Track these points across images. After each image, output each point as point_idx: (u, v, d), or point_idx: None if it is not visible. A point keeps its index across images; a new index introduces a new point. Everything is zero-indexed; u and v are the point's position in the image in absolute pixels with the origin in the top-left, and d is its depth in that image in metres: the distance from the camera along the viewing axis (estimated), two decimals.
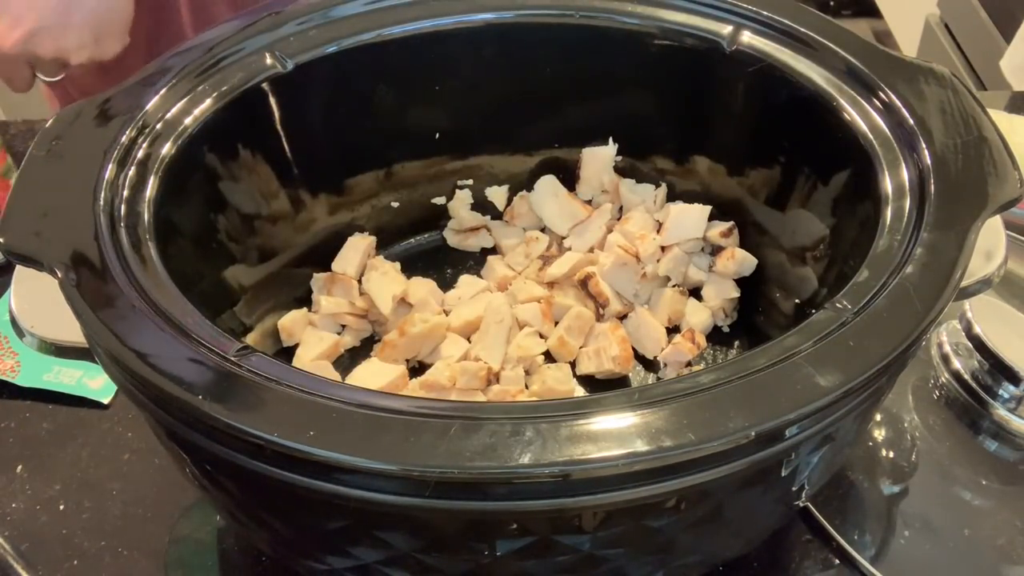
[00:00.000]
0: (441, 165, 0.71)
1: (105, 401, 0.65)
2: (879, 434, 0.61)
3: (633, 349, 0.65)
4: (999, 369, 0.61)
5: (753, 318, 0.67)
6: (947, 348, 0.64)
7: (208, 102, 0.57)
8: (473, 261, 0.73)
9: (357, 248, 0.69)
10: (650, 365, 0.66)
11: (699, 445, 0.38)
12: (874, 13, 2.01)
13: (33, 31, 0.77)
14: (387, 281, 0.67)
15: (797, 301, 0.62)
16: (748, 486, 0.43)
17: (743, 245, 0.67)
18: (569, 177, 0.72)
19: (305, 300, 0.68)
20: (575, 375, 0.65)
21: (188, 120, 0.56)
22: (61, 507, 0.59)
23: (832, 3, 2.15)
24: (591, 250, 0.70)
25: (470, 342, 0.65)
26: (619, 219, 0.71)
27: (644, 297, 0.68)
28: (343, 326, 0.67)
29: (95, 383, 0.65)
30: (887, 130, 0.53)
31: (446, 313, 0.67)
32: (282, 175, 0.64)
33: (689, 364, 0.64)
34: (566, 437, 0.38)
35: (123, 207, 0.50)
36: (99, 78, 0.88)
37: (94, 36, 0.78)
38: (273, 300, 0.65)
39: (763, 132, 0.64)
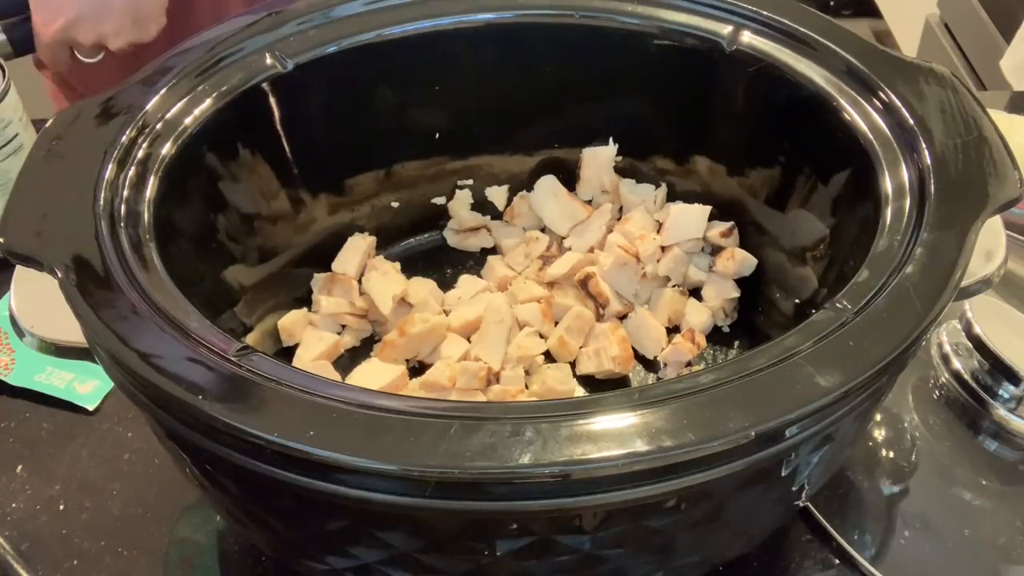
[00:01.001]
0: (441, 165, 0.71)
1: (91, 407, 0.64)
2: (879, 434, 0.61)
3: (633, 349, 0.65)
4: (999, 369, 0.61)
5: (753, 318, 0.67)
6: (947, 348, 0.64)
7: (208, 102, 0.57)
8: (473, 261, 0.73)
9: (357, 248, 0.69)
10: (650, 365, 0.66)
11: (699, 445, 0.38)
12: (874, 13, 2.01)
13: (72, 21, 0.79)
14: (387, 281, 0.67)
15: (797, 301, 0.62)
16: (748, 486, 0.43)
17: (743, 245, 0.67)
18: (569, 177, 0.72)
19: (305, 300, 0.68)
20: (575, 375, 0.65)
21: (188, 120, 0.56)
22: (61, 507, 0.59)
23: (832, 3, 2.15)
24: (591, 250, 0.70)
25: (470, 342, 0.65)
26: (619, 219, 0.71)
27: (644, 297, 0.68)
28: (343, 326, 0.67)
29: (85, 388, 0.65)
30: (887, 130, 0.53)
31: (446, 313, 0.67)
32: (282, 175, 0.64)
33: (689, 364, 0.64)
34: (566, 437, 0.38)
35: (123, 207, 0.50)
36: (111, 71, 0.89)
37: (132, 20, 0.80)
38: (273, 300, 0.65)
39: (763, 132, 0.64)
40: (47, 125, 0.53)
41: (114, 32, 0.80)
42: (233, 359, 0.42)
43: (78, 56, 0.83)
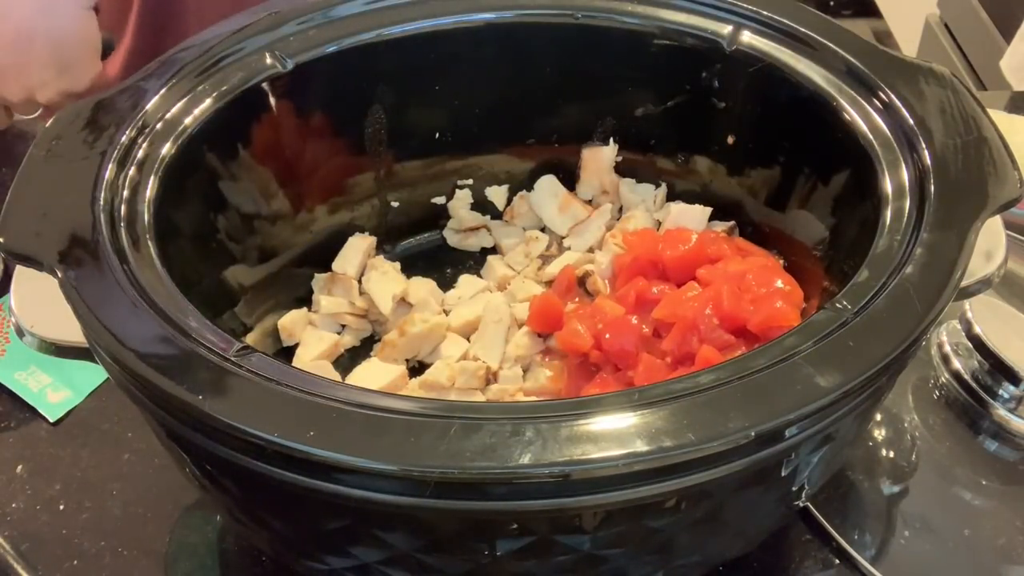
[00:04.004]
0: (441, 165, 0.71)
1: (52, 419, 0.63)
2: (879, 434, 0.61)
3: None
4: (999, 369, 0.61)
5: None
6: (947, 348, 0.64)
7: (208, 102, 0.57)
8: (473, 261, 0.73)
9: (357, 248, 0.69)
10: None
11: (699, 445, 0.38)
12: (874, 13, 2.01)
13: None
14: (387, 281, 0.67)
15: None
16: (748, 486, 0.43)
17: None
18: (569, 177, 0.72)
19: (305, 300, 0.68)
20: None
21: (188, 120, 0.56)
22: (61, 507, 0.59)
23: (832, 3, 2.15)
24: (591, 250, 0.70)
25: (470, 342, 0.65)
26: (619, 219, 0.71)
27: None
28: (343, 326, 0.67)
29: (56, 396, 0.64)
30: (887, 130, 0.53)
31: (446, 313, 0.67)
32: (282, 175, 0.64)
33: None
34: (566, 437, 0.38)
35: (123, 207, 0.50)
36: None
37: (57, 70, 0.74)
38: (273, 300, 0.65)
39: (763, 132, 0.64)
40: (47, 125, 0.53)
41: (39, 84, 0.74)
42: (233, 359, 0.42)
43: (15, 113, 0.79)
